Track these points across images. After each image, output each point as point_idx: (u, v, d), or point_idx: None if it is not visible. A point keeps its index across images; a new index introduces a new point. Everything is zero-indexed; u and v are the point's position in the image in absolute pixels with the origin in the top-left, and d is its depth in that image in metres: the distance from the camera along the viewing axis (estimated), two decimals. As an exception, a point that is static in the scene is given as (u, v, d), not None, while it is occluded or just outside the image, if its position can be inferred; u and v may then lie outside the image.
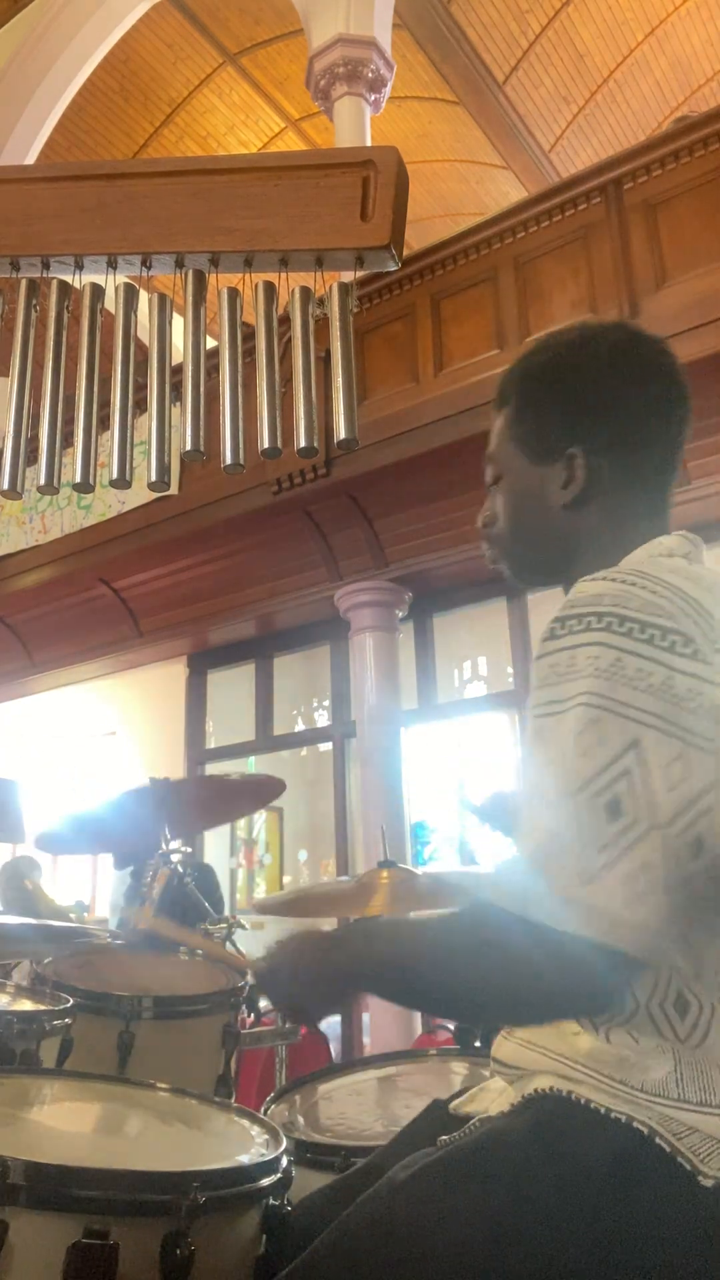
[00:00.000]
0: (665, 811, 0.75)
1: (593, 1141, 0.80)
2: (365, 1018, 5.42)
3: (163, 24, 8.06)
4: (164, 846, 2.98)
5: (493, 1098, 0.97)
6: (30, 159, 7.28)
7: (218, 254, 1.04)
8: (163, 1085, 1.33)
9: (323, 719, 7.22)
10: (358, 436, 1.03)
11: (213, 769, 6.68)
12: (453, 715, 6.08)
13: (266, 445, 1.04)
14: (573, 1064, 0.85)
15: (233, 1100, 1.46)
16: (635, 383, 0.99)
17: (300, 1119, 1.42)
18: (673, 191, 4.49)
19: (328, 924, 3.67)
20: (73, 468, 1.05)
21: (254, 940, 3.31)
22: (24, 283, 1.09)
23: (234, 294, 1.08)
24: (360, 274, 1.08)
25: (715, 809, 0.76)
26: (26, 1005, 1.61)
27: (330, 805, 6.14)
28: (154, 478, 1.06)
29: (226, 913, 3.49)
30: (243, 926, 3.01)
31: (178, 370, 1.05)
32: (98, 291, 1.10)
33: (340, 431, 1.03)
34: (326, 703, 6.74)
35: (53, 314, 1.09)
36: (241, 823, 7.41)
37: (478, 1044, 1.84)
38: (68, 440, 1.04)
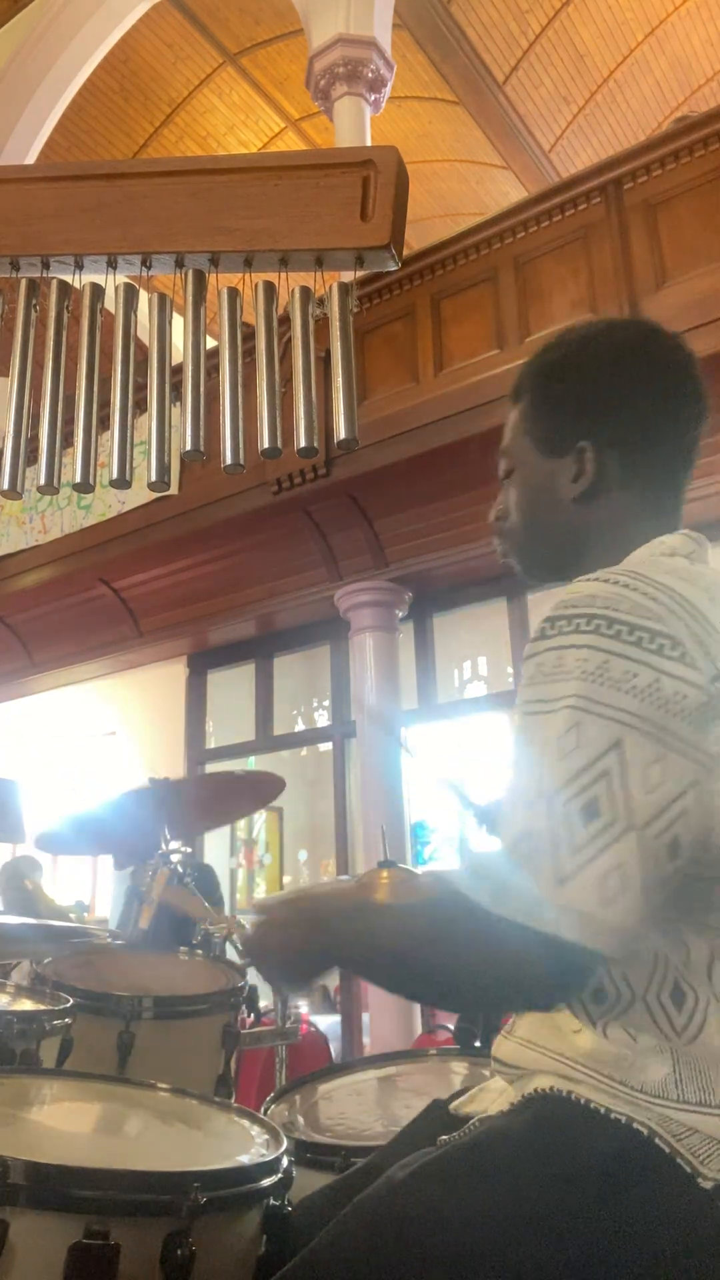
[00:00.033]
0: (642, 814, 0.75)
1: (592, 1141, 0.80)
2: (365, 1018, 5.42)
3: (163, 24, 8.06)
4: (164, 847, 2.98)
5: (493, 1098, 0.97)
6: (30, 159, 7.28)
7: (218, 254, 1.04)
8: (163, 1085, 1.33)
9: (323, 719, 7.22)
10: (358, 436, 1.03)
11: (213, 769, 6.68)
12: (453, 715, 6.08)
13: (266, 445, 1.04)
14: (573, 1064, 0.85)
15: (233, 1100, 1.46)
16: (645, 378, 0.99)
17: (300, 1119, 1.42)
18: (673, 191, 4.49)
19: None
20: (73, 468, 1.05)
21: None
22: (24, 283, 1.09)
23: (234, 294, 1.08)
24: (360, 274, 1.08)
25: (692, 811, 0.77)
26: (26, 1005, 1.61)
27: (330, 805, 6.15)
28: (154, 478, 1.06)
29: (227, 912, 3.49)
30: (243, 927, 3.01)
31: (178, 370, 1.05)
32: (98, 291, 1.10)
33: (340, 431, 1.03)
34: (326, 703, 6.74)
35: (53, 314, 1.09)
36: (241, 823, 7.41)
37: (478, 1044, 1.84)
38: (68, 440, 1.04)
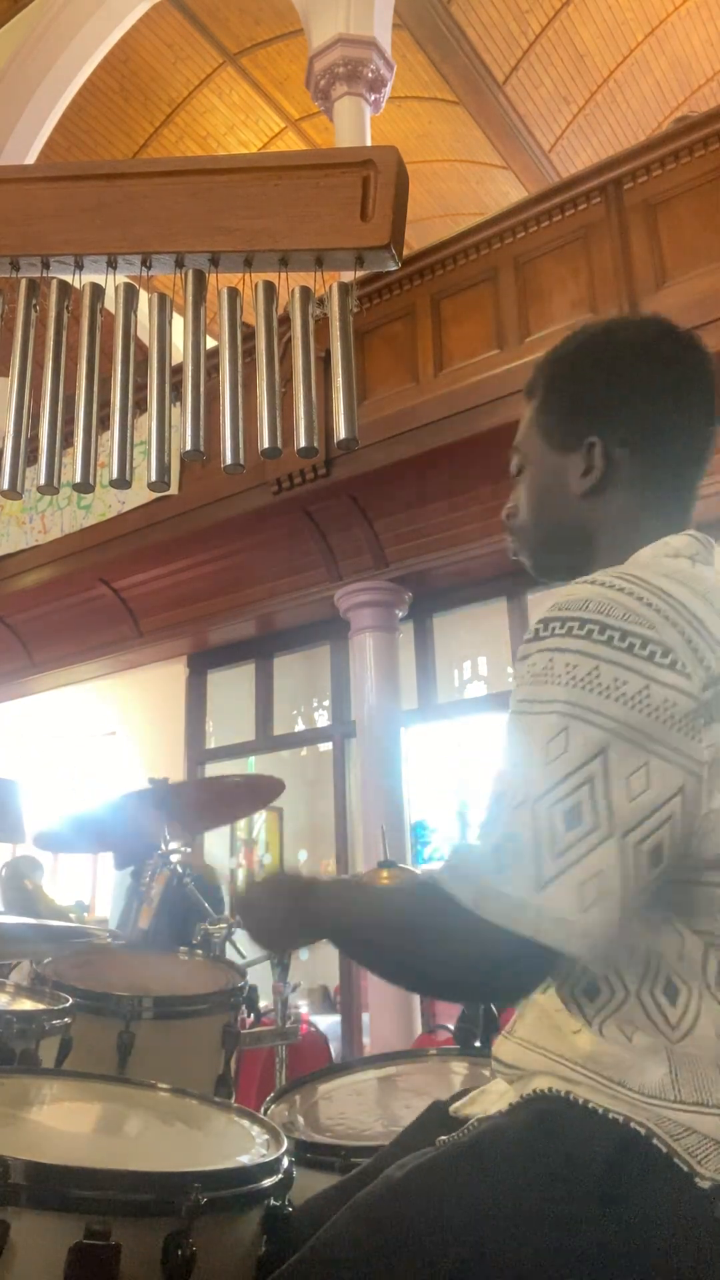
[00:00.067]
0: (624, 820, 0.76)
1: (590, 1141, 0.80)
2: (365, 1018, 5.42)
3: (163, 24, 8.06)
4: (164, 847, 2.98)
5: (493, 1100, 0.97)
6: (30, 159, 7.28)
7: (218, 254, 1.04)
8: (163, 1085, 1.33)
9: (323, 719, 7.22)
10: (358, 436, 1.03)
11: (213, 769, 6.69)
12: (453, 715, 6.08)
13: (266, 445, 1.04)
14: (572, 1065, 0.85)
15: (233, 1100, 1.46)
16: (655, 374, 0.99)
17: (300, 1119, 1.41)
18: (673, 191, 4.49)
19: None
20: (73, 468, 1.05)
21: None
22: (24, 283, 1.09)
23: (234, 294, 1.08)
24: (360, 274, 1.08)
25: (676, 817, 0.77)
26: (26, 1005, 1.61)
27: (330, 805, 6.15)
28: (154, 478, 1.06)
29: (227, 913, 3.50)
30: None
31: (178, 370, 1.05)
32: (98, 291, 1.10)
33: (340, 431, 1.03)
34: (326, 703, 6.74)
35: (53, 314, 1.09)
36: (241, 823, 7.41)
37: (478, 1044, 1.84)
38: (68, 440, 1.04)
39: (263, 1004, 2.27)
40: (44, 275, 1.08)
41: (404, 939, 0.87)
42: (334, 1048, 5.18)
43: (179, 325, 1.09)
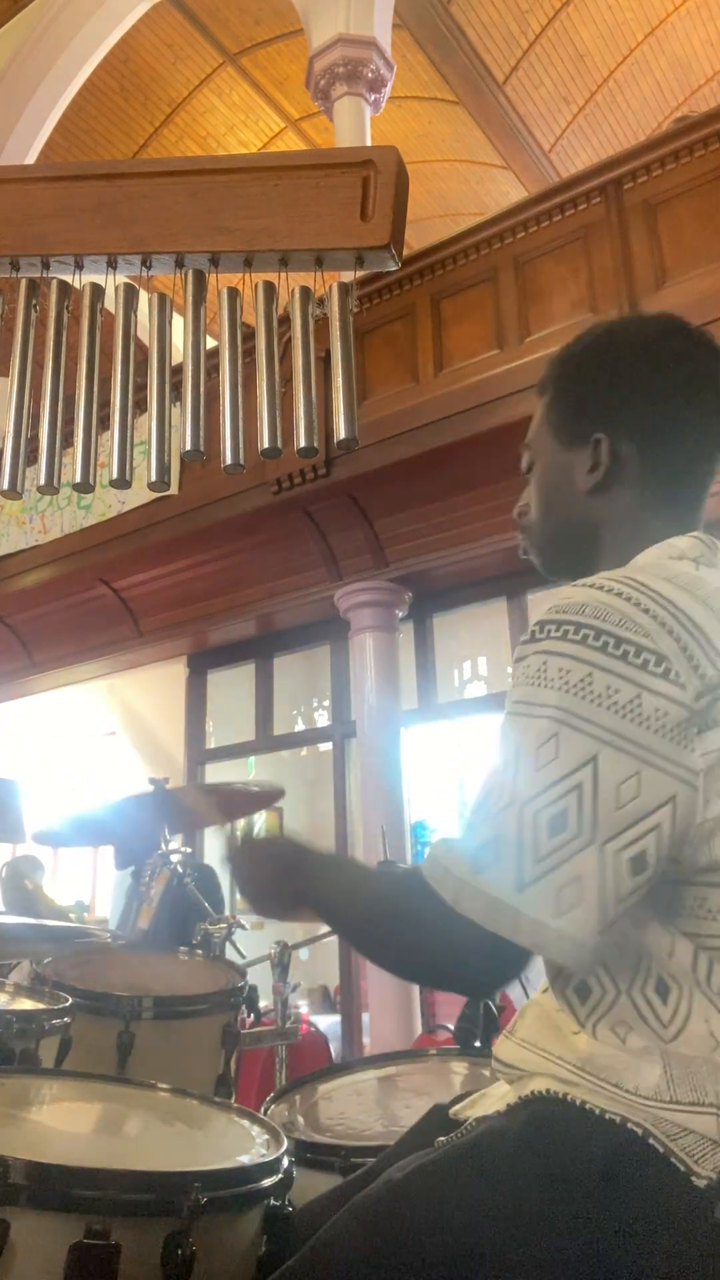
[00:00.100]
0: (607, 828, 0.77)
1: (588, 1141, 0.80)
2: (365, 1018, 5.42)
3: (163, 24, 8.06)
4: (164, 847, 2.98)
5: (493, 1102, 0.97)
6: (30, 159, 7.28)
7: (218, 254, 1.04)
8: (163, 1085, 1.33)
9: (323, 719, 7.22)
10: (358, 436, 1.03)
11: (213, 769, 6.69)
12: (453, 715, 6.08)
13: (266, 445, 1.04)
14: (569, 1066, 0.86)
15: (233, 1100, 1.46)
16: (662, 370, 0.99)
17: (300, 1119, 1.42)
18: (673, 191, 4.49)
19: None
20: (73, 468, 1.05)
21: (254, 940, 3.31)
22: (24, 283, 1.09)
23: (234, 294, 1.08)
24: (360, 274, 1.08)
25: (665, 825, 0.77)
26: (26, 1005, 1.61)
27: (330, 805, 6.15)
28: (154, 478, 1.06)
29: (226, 913, 3.50)
30: (242, 926, 3.01)
31: (178, 370, 1.05)
32: (98, 291, 1.10)
33: (340, 431, 1.03)
34: (326, 703, 6.74)
35: (53, 314, 1.09)
36: (241, 822, 7.40)
37: (478, 1044, 1.84)
38: (68, 440, 1.04)
39: (263, 1004, 2.27)
40: (44, 275, 1.08)
41: (385, 925, 0.90)
42: (334, 1048, 5.18)
43: (179, 325, 1.09)
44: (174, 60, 8.50)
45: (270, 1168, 1.01)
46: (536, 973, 0.93)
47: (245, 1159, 1.05)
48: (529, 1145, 0.83)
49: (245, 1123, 1.20)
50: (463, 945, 0.81)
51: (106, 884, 7.03)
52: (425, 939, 0.85)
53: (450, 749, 6.45)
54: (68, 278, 1.09)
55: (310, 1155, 1.24)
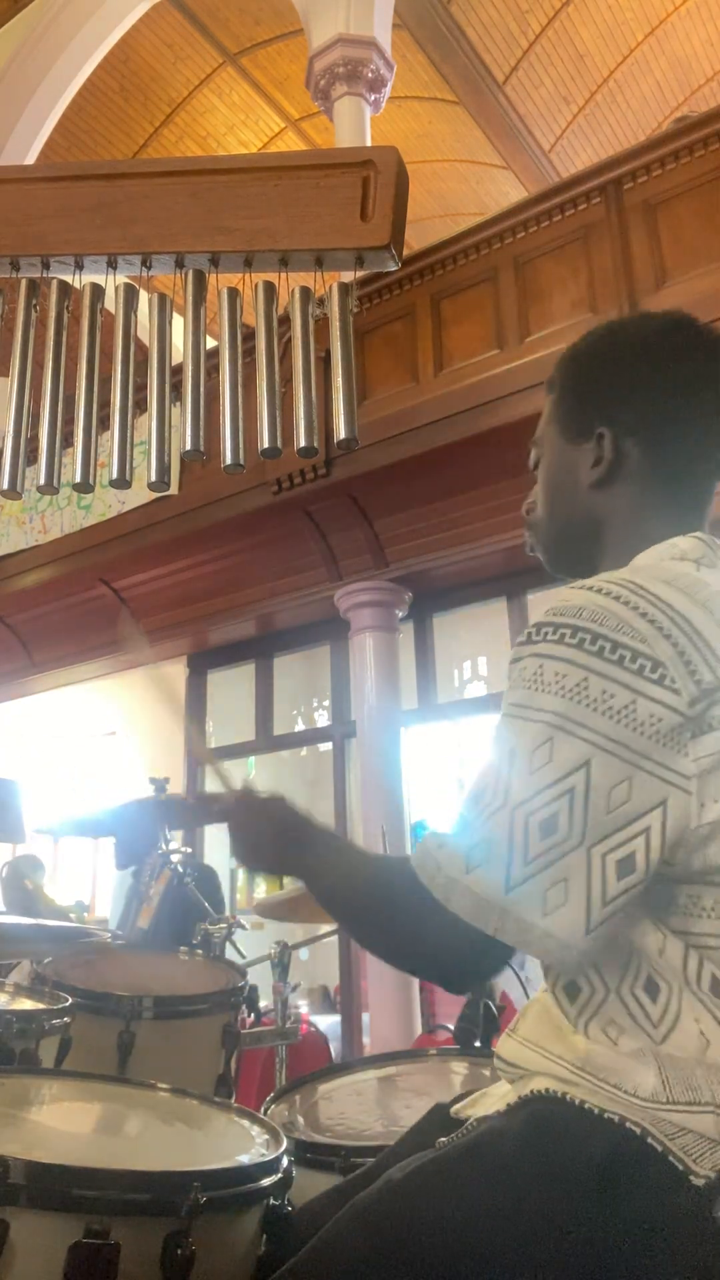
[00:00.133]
0: (597, 830, 0.77)
1: (587, 1141, 0.80)
2: (365, 1018, 5.42)
3: (163, 24, 8.06)
4: (164, 847, 2.98)
5: (494, 1102, 0.97)
6: (30, 159, 7.28)
7: (218, 254, 1.04)
8: (163, 1085, 1.33)
9: (323, 719, 7.22)
10: (358, 436, 1.03)
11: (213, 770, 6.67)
12: (453, 715, 6.08)
13: (266, 445, 1.04)
14: (569, 1066, 0.86)
15: (233, 1100, 1.46)
16: (664, 365, 0.99)
17: (300, 1119, 1.42)
18: (673, 191, 4.49)
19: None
20: (73, 468, 1.05)
21: (254, 940, 3.31)
22: (24, 283, 1.09)
23: (234, 294, 1.08)
24: (360, 274, 1.08)
25: (654, 830, 0.78)
26: (26, 1005, 1.61)
27: (330, 805, 6.14)
28: (154, 478, 1.06)
29: (226, 913, 3.50)
30: (242, 927, 3.01)
31: (178, 370, 1.05)
32: (98, 291, 1.10)
33: (340, 431, 1.03)
34: (326, 703, 6.74)
35: (53, 314, 1.09)
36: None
37: (478, 1044, 1.84)
38: (68, 440, 1.04)
39: (263, 1004, 2.27)
40: (44, 275, 1.08)
41: (375, 913, 0.92)
42: (334, 1048, 5.18)
43: (179, 325, 1.09)
44: (174, 60, 8.50)
45: (270, 1167, 1.01)
46: (536, 973, 0.93)
47: (245, 1159, 1.05)
48: (529, 1145, 0.83)
49: (245, 1123, 1.20)
50: (449, 940, 0.83)
51: (106, 884, 7.03)
52: (413, 931, 0.86)
53: (450, 749, 6.45)
54: (68, 278, 1.09)
55: (310, 1155, 1.24)
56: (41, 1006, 1.57)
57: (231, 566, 5.89)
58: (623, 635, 0.80)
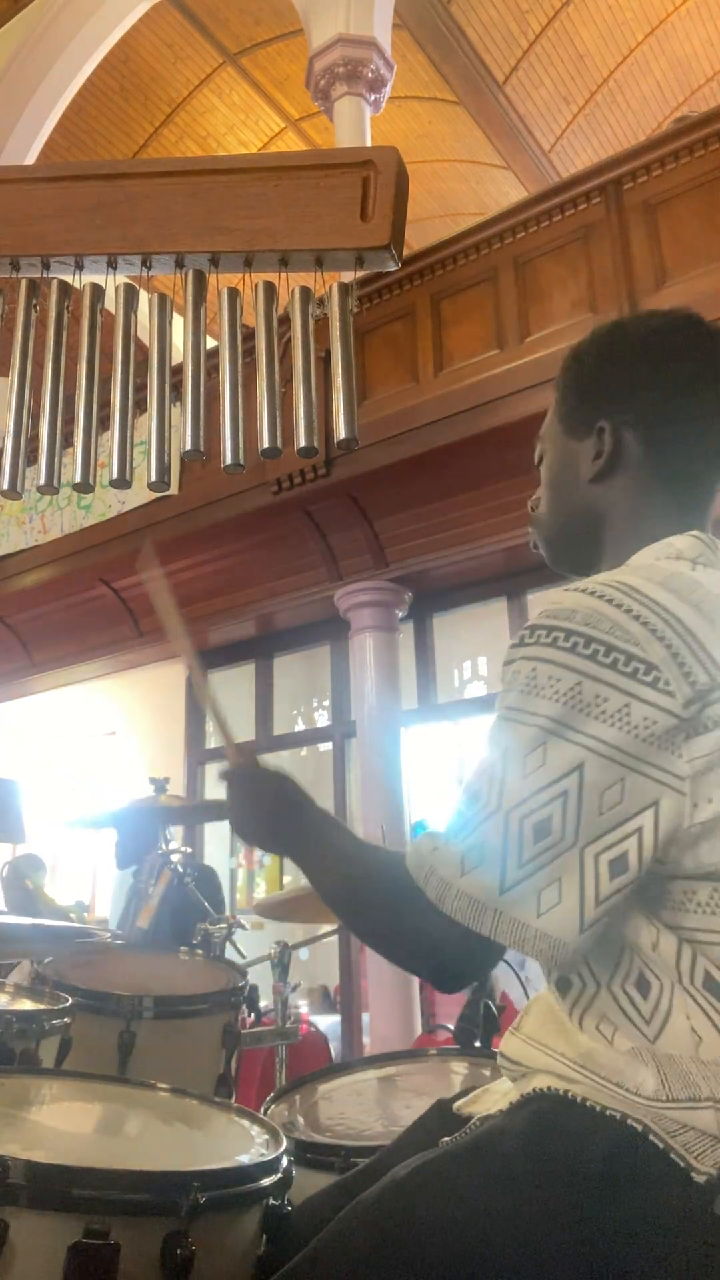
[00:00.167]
0: (589, 831, 0.78)
1: (588, 1138, 0.81)
2: (365, 1018, 5.42)
3: (163, 24, 8.06)
4: (164, 847, 2.98)
5: (496, 1099, 0.97)
6: (30, 159, 7.28)
7: (218, 254, 1.04)
8: (163, 1085, 1.33)
9: (323, 719, 7.22)
10: (358, 436, 1.03)
11: (213, 769, 6.68)
12: (453, 715, 6.08)
13: (266, 445, 1.03)
14: (571, 1064, 0.86)
15: (233, 1100, 1.46)
16: (665, 361, 0.99)
17: (300, 1119, 1.42)
18: (673, 191, 4.50)
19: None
20: (73, 468, 1.05)
21: (254, 940, 3.31)
22: (24, 283, 1.09)
23: (234, 294, 1.08)
24: (360, 274, 1.08)
25: (646, 830, 0.78)
26: (26, 1005, 1.61)
27: (330, 805, 6.14)
28: (154, 478, 1.06)
29: (227, 912, 3.50)
30: (243, 927, 3.01)
31: (178, 370, 1.05)
32: (98, 291, 1.10)
33: (340, 431, 1.03)
34: (326, 703, 6.74)
35: (53, 314, 1.09)
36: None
37: (478, 1044, 1.84)
38: (68, 440, 1.04)
39: (263, 1004, 2.27)
40: (44, 275, 1.08)
41: (369, 908, 0.93)
42: (334, 1048, 5.18)
43: (179, 325, 1.09)
44: (174, 60, 8.50)
45: (269, 1167, 1.01)
46: (537, 973, 0.94)
47: (244, 1159, 1.05)
48: (531, 1143, 0.83)
49: (245, 1123, 1.20)
50: (441, 939, 0.83)
51: (106, 884, 7.03)
52: (406, 928, 0.87)
53: (450, 749, 6.45)
54: (68, 278, 1.09)
55: (310, 1155, 1.24)
56: (42, 1006, 1.57)
57: (231, 566, 5.89)
58: (615, 638, 0.80)
